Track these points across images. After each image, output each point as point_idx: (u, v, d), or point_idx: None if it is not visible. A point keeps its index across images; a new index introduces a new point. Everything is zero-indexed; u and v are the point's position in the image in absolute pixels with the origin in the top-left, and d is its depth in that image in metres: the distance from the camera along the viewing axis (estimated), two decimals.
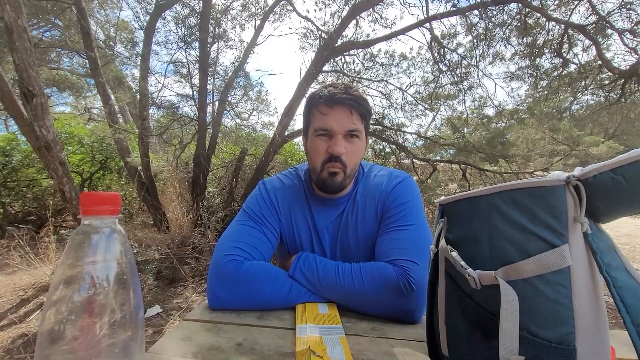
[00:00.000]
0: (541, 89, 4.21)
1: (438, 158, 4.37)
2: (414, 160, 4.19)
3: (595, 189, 0.33)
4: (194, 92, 4.09)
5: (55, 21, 4.62)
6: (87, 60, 4.01)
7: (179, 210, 4.54)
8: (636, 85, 3.19)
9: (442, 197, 0.49)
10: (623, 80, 3.22)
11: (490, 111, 4.30)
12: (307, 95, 0.82)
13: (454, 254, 0.41)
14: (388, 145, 4.52)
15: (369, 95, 4.41)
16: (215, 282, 0.71)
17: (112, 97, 4.35)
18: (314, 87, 4.79)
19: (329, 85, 0.79)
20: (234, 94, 4.75)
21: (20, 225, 4.80)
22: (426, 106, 4.21)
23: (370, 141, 4.98)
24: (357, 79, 4.42)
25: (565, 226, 0.34)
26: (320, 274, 0.71)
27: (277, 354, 0.55)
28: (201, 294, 3.00)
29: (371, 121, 4.37)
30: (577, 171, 0.34)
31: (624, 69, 3.16)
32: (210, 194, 4.94)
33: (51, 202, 4.59)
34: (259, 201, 0.85)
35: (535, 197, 0.35)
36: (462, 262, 0.40)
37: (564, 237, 0.34)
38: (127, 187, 5.62)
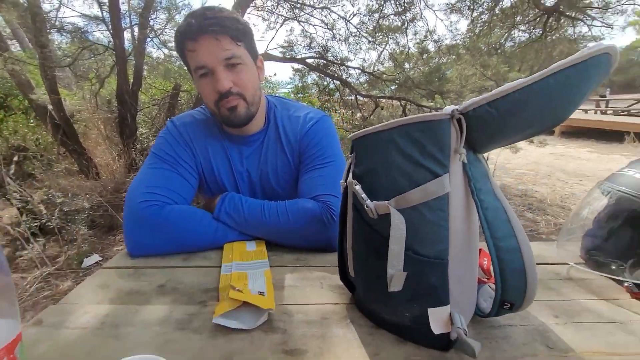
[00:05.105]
0: (480, 24, 4.29)
1: (380, 95, 4.41)
2: (357, 96, 4.18)
3: (474, 121, 0.35)
4: (104, 14, 3.42)
5: None
6: None
7: (109, 155, 4.13)
8: (556, 22, 3.41)
9: (353, 133, 0.49)
10: (546, 16, 3.40)
11: (431, 46, 4.34)
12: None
13: (357, 187, 0.43)
14: (332, 82, 4.41)
15: (311, 24, 4.11)
16: (134, 229, 0.67)
17: None
18: (250, 13, 4.30)
19: (188, 16, 0.69)
20: (156, 18, 4.08)
21: None
22: (370, 39, 4.08)
23: (314, 76, 4.82)
24: (298, 4, 4.04)
25: (447, 157, 0.37)
26: (246, 213, 0.72)
27: (199, 290, 0.56)
28: None
29: (314, 54, 4.12)
30: (462, 105, 0.36)
31: (549, 5, 3.33)
32: (143, 136, 4.52)
33: None
34: (170, 140, 0.78)
35: (425, 131, 0.37)
36: (363, 195, 0.42)
37: (445, 167, 0.37)
38: (39, 129, 4.85)
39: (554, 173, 4.80)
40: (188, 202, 0.76)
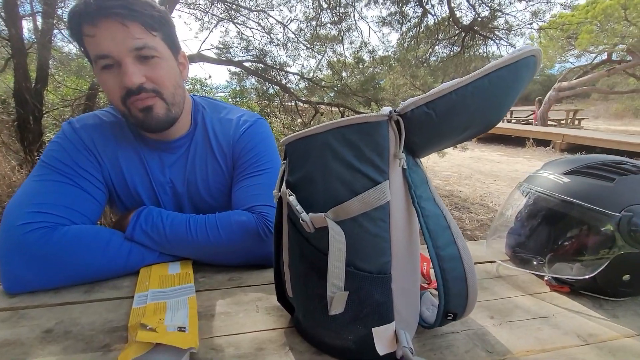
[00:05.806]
0: (408, 39, 4.65)
1: (320, 101, 4.47)
2: (297, 102, 4.17)
3: (412, 123, 0.33)
4: None
5: None
6: None
7: (6, 165, 3.49)
8: (471, 40, 3.88)
9: (285, 137, 0.44)
10: (464, 34, 3.84)
11: (366, 56, 4.55)
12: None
13: (292, 198, 0.38)
14: (272, 87, 4.33)
15: (247, 27, 3.99)
16: (12, 259, 0.53)
17: None
18: (181, 10, 4.02)
19: None
20: (65, 6, 3.57)
21: None
22: (308, 46, 4.12)
23: (252, 80, 4.69)
24: (234, 5, 3.90)
25: (386, 162, 0.34)
26: (167, 230, 0.61)
27: (103, 332, 0.45)
28: None
29: (252, 58, 4.00)
30: (400, 106, 0.33)
31: (466, 24, 3.77)
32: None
33: None
34: (66, 146, 0.64)
35: (362, 134, 0.34)
36: (298, 207, 0.37)
37: (385, 173, 0.34)
38: None
39: (473, 174, 5.37)
40: (93, 221, 0.63)
